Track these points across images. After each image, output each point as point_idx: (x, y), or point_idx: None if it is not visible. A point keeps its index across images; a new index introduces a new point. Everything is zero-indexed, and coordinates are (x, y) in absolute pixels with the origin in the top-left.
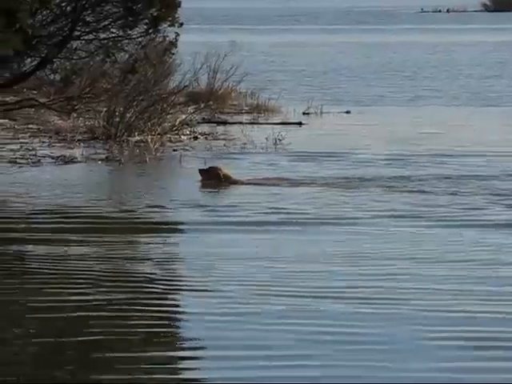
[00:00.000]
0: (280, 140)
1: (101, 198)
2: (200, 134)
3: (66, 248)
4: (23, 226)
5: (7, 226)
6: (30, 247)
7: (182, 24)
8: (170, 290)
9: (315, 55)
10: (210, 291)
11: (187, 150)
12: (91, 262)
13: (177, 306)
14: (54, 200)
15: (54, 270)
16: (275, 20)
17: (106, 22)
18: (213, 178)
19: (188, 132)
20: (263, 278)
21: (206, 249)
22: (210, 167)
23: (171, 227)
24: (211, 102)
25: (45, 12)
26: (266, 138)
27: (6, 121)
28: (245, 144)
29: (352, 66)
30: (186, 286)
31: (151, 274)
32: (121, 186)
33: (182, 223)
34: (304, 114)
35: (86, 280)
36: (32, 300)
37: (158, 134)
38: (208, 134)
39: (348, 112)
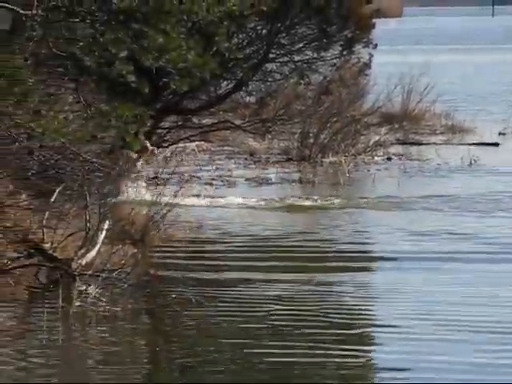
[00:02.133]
0: (475, 161)
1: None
2: (393, 154)
3: (255, 276)
4: (218, 248)
5: (202, 248)
6: (223, 271)
7: (376, 45)
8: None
9: None
10: (393, 326)
11: (380, 170)
12: (285, 287)
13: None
14: (244, 226)
15: (245, 296)
16: (471, 40)
17: (301, 45)
18: None
19: (381, 153)
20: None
21: (401, 281)
22: None
23: (369, 256)
24: (405, 123)
25: (241, 35)
26: (461, 159)
27: (203, 143)
28: (439, 165)
29: None
30: (372, 319)
31: (342, 305)
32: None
33: (382, 252)
34: (500, 134)
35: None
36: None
37: (352, 154)
38: (402, 155)
39: None
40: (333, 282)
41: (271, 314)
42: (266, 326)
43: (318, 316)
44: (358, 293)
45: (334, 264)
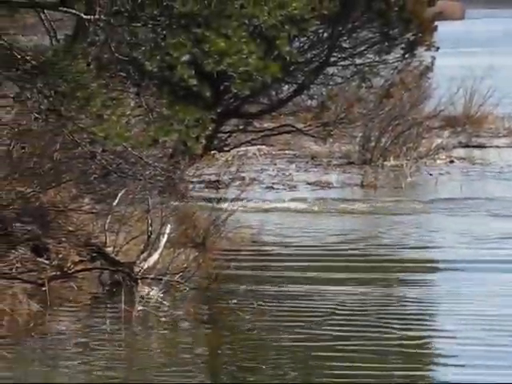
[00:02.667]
0: None
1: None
2: (456, 158)
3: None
4: (276, 257)
5: (260, 255)
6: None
7: (438, 48)
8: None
9: None
10: (455, 337)
11: (443, 174)
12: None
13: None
14: (304, 231)
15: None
16: None
17: (362, 48)
18: None
19: (444, 156)
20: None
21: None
22: None
23: (431, 262)
24: (467, 126)
25: (302, 39)
26: None
27: (264, 147)
28: (502, 168)
29: None
30: (433, 329)
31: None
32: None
33: (444, 258)
34: None
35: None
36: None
37: (414, 158)
38: (464, 158)
39: None
40: (393, 292)
41: (331, 325)
42: (326, 337)
43: (380, 327)
44: (419, 301)
45: (395, 273)
